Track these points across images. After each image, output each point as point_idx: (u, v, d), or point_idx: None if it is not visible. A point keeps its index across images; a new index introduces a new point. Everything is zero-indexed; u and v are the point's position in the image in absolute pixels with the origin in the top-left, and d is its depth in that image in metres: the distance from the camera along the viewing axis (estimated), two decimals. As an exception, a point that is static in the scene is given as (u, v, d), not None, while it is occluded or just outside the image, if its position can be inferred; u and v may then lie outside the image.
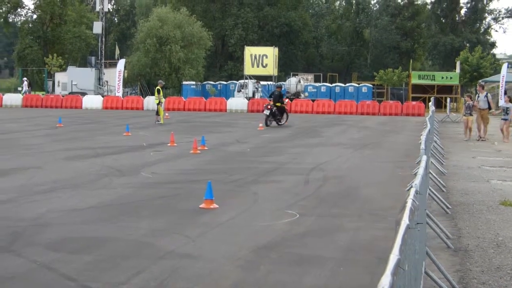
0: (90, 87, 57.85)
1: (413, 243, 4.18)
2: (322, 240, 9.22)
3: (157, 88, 34.41)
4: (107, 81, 59.96)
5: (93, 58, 61.05)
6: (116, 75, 56.50)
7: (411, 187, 5.53)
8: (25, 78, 62.52)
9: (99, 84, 59.74)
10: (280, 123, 33.18)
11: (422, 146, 10.36)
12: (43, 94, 54.97)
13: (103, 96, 52.17)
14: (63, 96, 52.47)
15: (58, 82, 60.56)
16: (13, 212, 10.63)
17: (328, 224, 10.26)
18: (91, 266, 7.69)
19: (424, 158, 7.94)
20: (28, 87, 58.45)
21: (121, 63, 57.92)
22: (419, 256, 5.26)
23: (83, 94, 53.69)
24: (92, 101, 49.94)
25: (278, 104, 33.02)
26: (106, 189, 13.14)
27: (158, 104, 34.29)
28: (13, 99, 51.25)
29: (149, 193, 12.76)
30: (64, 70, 62.43)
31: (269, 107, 32.87)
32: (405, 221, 3.53)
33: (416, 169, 15.58)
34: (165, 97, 49.55)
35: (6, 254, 8.12)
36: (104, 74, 60.29)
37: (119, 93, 54.99)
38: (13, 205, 11.23)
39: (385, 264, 3.17)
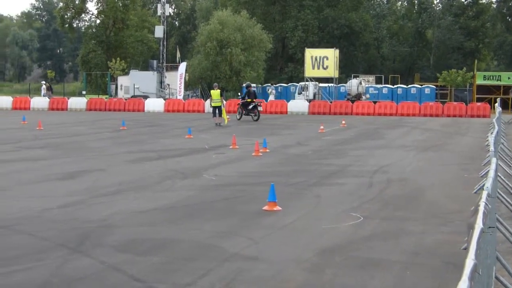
0: (152, 90, 58.60)
1: (485, 248, 4.11)
2: (387, 244, 9.14)
3: (218, 91, 34.81)
4: (168, 84, 60.62)
5: (154, 62, 61.87)
6: (177, 78, 57.13)
7: (479, 190, 5.44)
8: (43, 82, 63.70)
9: (161, 87, 60.46)
10: (255, 118, 37.14)
11: (492, 148, 10.16)
12: (106, 98, 55.93)
13: (164, 99, 52.75)
14: (125, 99, 53.28)
15: (121, 85, 61.51)
16: (81, 213, 10.86)
17: (393, 227, 10.16)
18: (158, 267, 7.79)
19: (494, 160, 7.78)
20: (48, 91, 59.32)
21: (183, 66, 58.54)
22: (490, 260, 5.16)
23: (145, 97, 54.41)
24: (154, 104, 50.58)
25: (249, 100, 37.07)
26: (170, 191, 13.30)
27: (220, 106, 34.58)
28: (78, 102, 52.29)
29: (212, 195, 12.85)
30: (127, 73, 63.37)
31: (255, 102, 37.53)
32: (479, 224, 3.47)
33: (483, 172, 15.31)
34: (226, 99, 49.82)
35: (76, 254, 8.30)
36: (165, 77, 60.99)
37: (180, 96, 55.59)
38: (81, 206, 11.47)
39: (453, 268, 3.10)
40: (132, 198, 12.37)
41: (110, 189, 13.38)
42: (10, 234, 9.35)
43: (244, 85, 37.52)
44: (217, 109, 34.45)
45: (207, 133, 29.05)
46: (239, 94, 47.79)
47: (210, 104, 35.33)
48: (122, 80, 61.87)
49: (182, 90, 56.47)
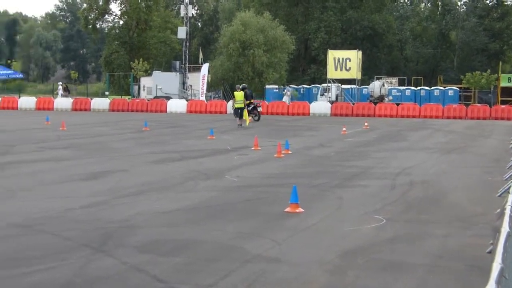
0: (174, 91, 58.81)
1: (511, 251, 4.06)
2: (411, 246, 9.08)
3: (242, 92, 34.91)
4: (191, 85, 60.80)
5: (177, 63, 62.06)
6: (200, 79, 57.29)
7: (504, 193, 5.38)
8: (60, 82, 64.05)
9: (183, 88, 60.66)
10: (256, 119, 38.07)
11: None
12: (129, 99, 56.18)
13: (187, 100, 52.91)
14: (148, 100, 53.50)
15: (144, 86, 61.78)
16: (105, 214, 10.92)
17: (416, 230, 10.09)
18: (180, 268, 7.81)
19: (519, 163, 7.69)
20: (65, 91, 59.64)
21: (205, 67, 58.69)
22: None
23: (168, 98, 54.61)
24: (177, 105, 50.74)
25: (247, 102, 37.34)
26: (192, 192, 13.33)
27: (244, 108, 34.66)
28: (100, 103, 52.60)
29: (234, 196, 12.86)
30: (149, 74, 63.63)
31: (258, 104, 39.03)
32: (505, 228, 3.43)
33: (507, 175, 15.17)
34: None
35: (99, 254, 8.34)
36: (188, 78, 61.19)
37: (202, 97, 55.72)
38: (104, 207, 11.53)
39: (477, 272, 3.07)
40: (154, 199, 12.41)
41: (132, 189, 13.44)
42: (33, 234, 9.43)
43: (241, 87, 37.90)
44: (239, 110, 34.51)
45: (229, 134, 29.09)
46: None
47: (233, 105, 35.36)
48: (144, 81, 62.15)
49: (205, 91, 56.59)
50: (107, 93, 64.94)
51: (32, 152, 20.56)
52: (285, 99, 54.49)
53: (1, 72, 63.50)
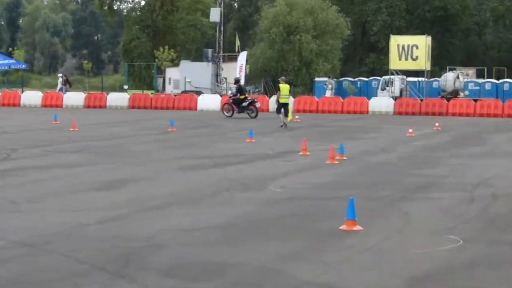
0: (206, 84, 59.09)
1: None
2: (494, 273, 8.97)
3: (288, 85, 35.16)
4: (225, 78, 61.05)
5: (209, 51, 62.35)
6: (236, 70, 57.45)
7: None
8: (60, 74, 64.51)
9: (217, 81, 60.93)
10: (253, 115, 40.81)
11: None
12: (152, 94, 56.64)
13: (221, 96, 53.12)
14: (175, 95, 53.86)
15: (169, 79, 62.22)
16: (124, 230, 11.00)
17: (500, 253, 9.97)
18: (214, 296, 7.82)
19: None
20: (65, 85, 60.12)
21: (242, 56, 58.90)
22: None
23: (198, 93, 54.86)
24: (209, 101, 50.97)
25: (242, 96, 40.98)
26: (228, 205, 13.36)
27: (288, 104, 34.77)
28: (118, 99, 53.12)
29: (278, 210, 12.86)
30: (176, 65, 64.05)
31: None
32: None
33: None
34: (294, 96, 49.89)
35: (119, 280, 8.39)
36: (222, 69, 61.45)
37: (238, 91, 55.87)
38: (123, 222, 11.62)
39: None
40: (183, 213, 12.47)
41: (157, 201, 13.52)
42: (39, 255, 9.53)
43: (234, 79, 41.39)
44: (283, 107, 34.51)
45: (272, 136, 29.12)
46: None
47: (277, 100, 35.41)
48: (171, 73, 62.57)
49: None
50: (126, 87, 65.52)
51: (37, 157, 20.83)
52: (328, 93, 54.32)
53: (1, 62, 64.46)
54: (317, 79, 61.41)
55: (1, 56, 69.10)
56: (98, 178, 16.57)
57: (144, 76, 73.58)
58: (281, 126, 33.80)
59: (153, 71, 68.16)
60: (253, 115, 41.05)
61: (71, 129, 30.22)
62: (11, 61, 67.04)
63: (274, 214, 12.54)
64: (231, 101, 42.22)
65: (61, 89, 58.84)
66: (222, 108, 43.59)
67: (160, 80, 64.70)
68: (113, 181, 16.10)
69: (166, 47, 66.69)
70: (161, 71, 65.54)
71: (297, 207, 13.25)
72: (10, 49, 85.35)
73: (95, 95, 54.88)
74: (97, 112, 47.26)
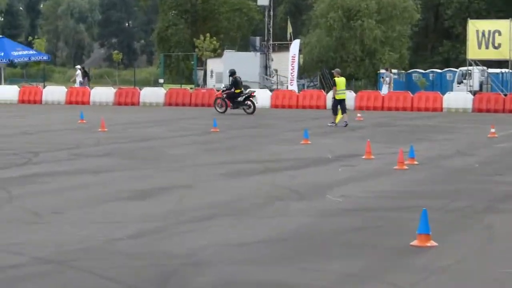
0: (253, 78, 59.13)
1: None
2: None
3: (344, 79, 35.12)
4: (276, 70, 61.10)
5: (257, 39, 62.49)
6: (288, 61, 57.42)
7: None
8: (78, 66, 64.73)
9: (266, 74, 61.01)
10: (250, 111, 42.33)
11: None
12: (191, 89, 56.88)
13: (271, 90, 53.16)
14: (218, 90, 53.96)
15: (211, 71, 62.50)
16: (161, 245, 11.03)
17: None
18: (266, 322, 7.82)
19: None
20: (84, 78, 60.35)
21: (295, 45, 58.82)
22: None
23: (245, 87, 54.92)
24: (257, 97, 50.96)
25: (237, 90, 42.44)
26: (280, 216, 13.34)
27: (345, 100, 34.76)
28: (153, 95, 53.30)
29: (338, 223, 12.82)
30: (219, 55, 64.23)
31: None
32: None
33: None
34: (355, 91, 49.74)
35: (155, 302, 8.43)
36: (272, 60, 61.52)
37: (292, 85, 55.85)
38: (160, 236, 11.67)
39: None
40: (228, 226, 12.48)
41: (198, 212, 13.55)
42: (65, 272, 9.60)
43: (228, 71, 43.20)
44: (339, 104, 34.44)
45: (331, 138, 29.03)
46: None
47: (333, 97, 35.37)
48: (213, 64, 62.84)
49: (295, 77, 56.69)
50: (161, 80, 65.92)
51: (62, 162, 21.03)
52: (385, 89, 53.87)
53: (20, 53, 65.04)
54: (382, 71, 61.09)
55: (20, 46, 69.80)
56: (131, 186, 16.66)
57: (183, 69, 73.96)
58: (331, 125, 33.71)
59: (192, 62, 68.51)
60: (249, 110, 42.34)
61: (100, 130, 30.44)
62: (31, 52, 67.67)
63: (333, 227, 12.50)
64: (224, 95, 43.32)
65: (80, 83, 59.31)
66: (214, 103, 44.51)
67: (201, 73, 65.01)
68: (148, 189, 16.17)
69: (208, 35, 66.90)
70: (201, 63, 65.82)
71: (360, 219, 13.18)
72: (30, 38, 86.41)
73: (127, 90, 55.17)
74: (129, 109, 47.54)
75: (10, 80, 74.48)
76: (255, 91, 46.06)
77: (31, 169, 19.41)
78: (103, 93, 54.19)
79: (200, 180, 17.65)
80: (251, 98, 42.83)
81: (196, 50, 66.39)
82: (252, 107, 42.55)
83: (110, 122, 32.90)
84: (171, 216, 13.19)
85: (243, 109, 42.55)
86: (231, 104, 42.50)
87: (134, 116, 41.18)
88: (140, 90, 54.45)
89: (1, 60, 62.88)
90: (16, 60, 66.05)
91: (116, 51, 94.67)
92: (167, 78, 70.33)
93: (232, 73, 43.20)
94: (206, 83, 62.53)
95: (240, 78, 43.00)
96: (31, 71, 76.75)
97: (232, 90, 42.43)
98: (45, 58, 69.00)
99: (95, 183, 17.13)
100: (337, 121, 34.25)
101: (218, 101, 43.95)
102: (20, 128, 31.84)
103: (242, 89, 43.08)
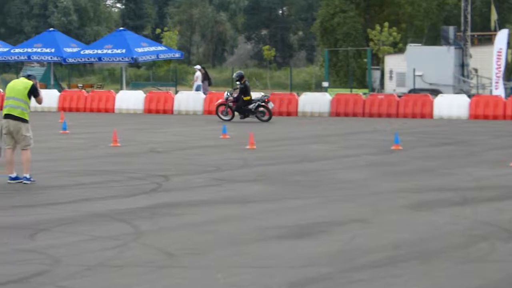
0: (446, 80, 58.60)
1: None
2: None
3: None
4: (475, 70, 60.36)
5: (451, 29, 61.82)
6: (492, 58, 56.61)
7: None
8: (198, 66, 64.54)
9: (462, 75, 60.36)
10: (265, 119, 45.47)
11: None
12: (364, 94, 56.66)
13: (469, 96, 52.51)
14: (399, 96, 53.69)
15: (390, 72, 62.18)
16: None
17: None
18: None
19: None
20: (204, 81, 60.27)
21: (502, 36, 57.91)
22: None
23: (436, 91, 54.49)
24: (451, 104, 50.40)
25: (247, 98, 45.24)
26: (485, 262, 13.17)
27: None
28: (315, 101, 53.12)
29: None
30: (401, 51, 63.92)
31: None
32: None
33: None
34: None
35: None
36: (470, 56, 60.79)
37: (498, 90, 55.00)
38: (324, 285, 11.69)
39: None
40: (414, 274, 12.40)
41: (375, 256, 13.51)
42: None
43: (235, 75, 46.23)
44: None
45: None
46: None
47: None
48: (392, 62, 62.55)
49: (502, 79, 55.82)
50: (325, 84, 66.04)
51: (200, 188, 21.38)
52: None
53: (146, 50, 66.00)
54: None
55: (146, 41, 71.08)
56: (287, 220, 16.77)
57: (353, 68, 73.88)
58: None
59: (365, 60, 68.39)
60: (265, 118, 45.52)
61: (248, 147, 30.75)
62: (159, 48, 68.66)
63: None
64: (230, 104, 45.90)
65: (198, 87, 59.77)
66: (217, 111, 46.92)
67: (377, 74, 64.79)
68: (309, 224, 16.23)
69: (385, 24, 66.72)
70: (377, 61, 65.66)
71: None
72: (158, 30, 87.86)
73: (281, 96, 55.18)
74: (284, 120, 47.68)
75: (133, 84, 75.96)
76: (268, 96, 47.89)
77: (161, 197, 19.80)
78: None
79: (378, 213, 17.63)
80: (267, 105, 45.53)
81: (371, 44, 66.35)
82: (268, 114, 45.54)
83: (259, 138, 33.21)
84: (340, 260, 13.19)
85: (257, 117, 45.46)
86: (240, 114, 45.16)
87: (290, 129, 41.43)
88: (298, 96, 54.58)
89: (122, 58, 64.22)
90: (140, 59, 67.05)
91: (267, 46, 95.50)
92: (332, 81, 70.46)
93: (241, 77, 45.26)
94: (383, 87, 62.29)
95: (248, 83, 45.42)
96: (159, 72, 78.00)
97: (241, 98, 44.98)
98: (176, 55, 69.96)
99: (241, 216, 17.32)
100: None
101: (222, 108, 46.17)
102: (147, 145, 32.36)
103: (252, 95, 45.41)
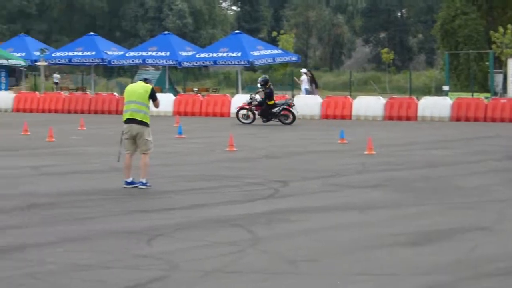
0: None
1: None
2: None
3: None
4: None
5: None
6: None
7: None
8: (304, 70, 64.08)
9: None
10: (288, 121, 46.81)
11: None
12: (486, 98, 56.03)
13: None
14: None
15: (511, 76, 61.41)
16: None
17: None
18: None
19: None
20: (310, 84, 60.05)
21: None
22: None
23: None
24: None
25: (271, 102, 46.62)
26: None
27: None
28: (435, 106, 52.47)
29: None
30: (526, 53, 63.15)
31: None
32: None
33: None
34: None
35: None
36: None
37: None
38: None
39: None
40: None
41: (498, 264, 13.36)
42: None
43: (260, 80, 47.18)
44: None
45: None
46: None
47: None
48: (515, 65, 61.73)
49: None
50: (446, 87, 65.52)
51: (317, 194, 21.43)
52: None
53: (262, 53, 66.15)
54: None
55: (261, 44, 71.27)
56: (407, 227, 16.70)
57: (475, 72, 73.12)
58: None
59: (487, 63, 67.71)
60: (288, 121, 46.96)
61: (366, 152, 30.64)
62: (275, 51, 68.90)
63: None
64: (253, 108, 47.34)
65: (306, 91, 59.67)
66: (237, 114, 48.35)
67: (499, 77, 64.08)
68: (430, 231, 16.12)
69: (509, 26, 65.92)
70: (500, 64, 64.92)
71: None
72: (275, 33, 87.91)
73: (400, 100, 55.05)
74: (403, 126, 47.48)
75: (249, 88, 76.11)
76: (293, 100, 48.99)
77: (279, 203, 19.83)
78: (369, 105, 54.33)
79: (502, 221, 17.47)
80: (291, 108, 46.94)
81: (493, 46, 65.59)
82: (292, 117, 46.85)
83: (378, 142, 33.13)
84: (462, 268, 13.08)
85: (280, 120, 46.88)
86: (263, 118, 46.84)
87: (410, 134, 41.25)
88: (418, 100, 54.32)
89: (238, 62, 64.50)
90: (256, 62, 67.39)
91: (385, 50, 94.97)
92: (453, 85, 69.87)
93: (266, 81, 46.02)
94: (506, 91, 61.55)
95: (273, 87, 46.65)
96: (276, 75, 77.93)
97: (265, 103, 46.08)
98: (293, 59, 70.09)
99: (360, 223, 17.26)
100: None
101: (244, 111, 47.40)
102: (264, 150, 32.49)
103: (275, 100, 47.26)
